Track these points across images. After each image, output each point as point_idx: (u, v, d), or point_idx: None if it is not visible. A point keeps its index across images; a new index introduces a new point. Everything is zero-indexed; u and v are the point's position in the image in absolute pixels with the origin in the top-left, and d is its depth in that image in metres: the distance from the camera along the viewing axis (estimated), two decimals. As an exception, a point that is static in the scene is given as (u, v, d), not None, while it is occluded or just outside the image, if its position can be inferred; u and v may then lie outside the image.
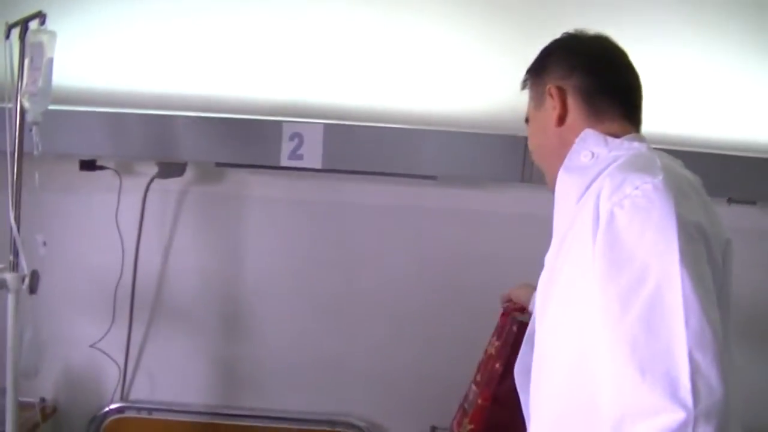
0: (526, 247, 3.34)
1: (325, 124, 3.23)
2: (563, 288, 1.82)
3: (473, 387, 2.99)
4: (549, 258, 1.96)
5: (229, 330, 3.57)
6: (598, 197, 1.68)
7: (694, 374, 1.46)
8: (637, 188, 1.63)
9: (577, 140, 1.90)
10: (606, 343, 1.57)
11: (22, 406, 2.86)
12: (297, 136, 3.22)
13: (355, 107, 3.38)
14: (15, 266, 2.74)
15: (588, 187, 1.79)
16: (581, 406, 1.72)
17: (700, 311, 1.51)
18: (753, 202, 3.44)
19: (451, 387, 3.21)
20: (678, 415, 1.45)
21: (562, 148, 1.93)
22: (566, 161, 1.89)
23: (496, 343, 2.92)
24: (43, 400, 3.47)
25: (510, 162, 3.22)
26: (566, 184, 1.90)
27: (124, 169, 3.37)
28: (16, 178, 2.72)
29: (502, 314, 3.01)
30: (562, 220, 1.90)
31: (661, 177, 1.64)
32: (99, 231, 3.42)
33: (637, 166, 1.71)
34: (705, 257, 1.62)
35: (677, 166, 1.82)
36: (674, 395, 1.46)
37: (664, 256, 1.55)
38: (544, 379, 1.91)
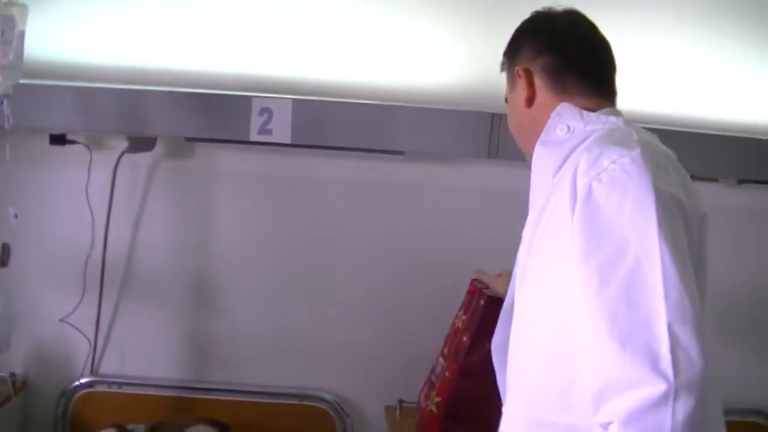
0: (493, 222, 3.43)
1: (294, 99, 3.26)
2: (541, 263, 1.83)
3: (441, 360, 3.06)
4: (526, 232, 1.99)
5: (199, 304, 3.61)
6: (575, 172, 1.69)
7: (674, 346, 1.48)
8: (614, 162, 1.64)
9: (552, 114, 1.93)
10: (586, 318, 1.58)
11: (-9, 381, 2.90)
12: (266, 111, 3.25)
13: (324, 82, 3.41)
14: (-15, 240, 2.78)
15: (564, 161, 1.81)
16: (559, 383, 1.74)
17: (679, 284, 1.53)
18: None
19: (419, 361, 3.30)
20: (659, 387, 1.46)
21: (536, 127, 1.97)
22: (542, 135, 1.94)
23: (464, 317, 2.98)
24: (13, 374, 3.49)
25: (477, 138, 3.26)
26: (542, 159, 1.93)
27: (94, 143, 3.39)
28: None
29: (470, 289, 3.06)
30: (539, 195, 1.94)
31: (638, 150, 1.66)
32: (69, 205, 3.45)
33: (613, 140, 1.73)
34: (683, 230, 1.64)
35: (654, 139, 1.85)
36: (655, 367, 1.47)
37: (643, 230, 1.56)
38: (522, 355, 1.94)
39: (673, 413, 1.45)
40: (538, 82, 2.01)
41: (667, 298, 1.51)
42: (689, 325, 1.50)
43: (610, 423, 1.53)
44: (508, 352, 2.04)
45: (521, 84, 2.03)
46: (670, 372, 1.46)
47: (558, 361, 1.74)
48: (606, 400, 1.53)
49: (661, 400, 1.46)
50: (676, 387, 1.46)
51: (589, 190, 1.63)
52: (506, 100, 2.19)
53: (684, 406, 1.45)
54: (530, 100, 2.02)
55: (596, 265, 1.58)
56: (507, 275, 2.69)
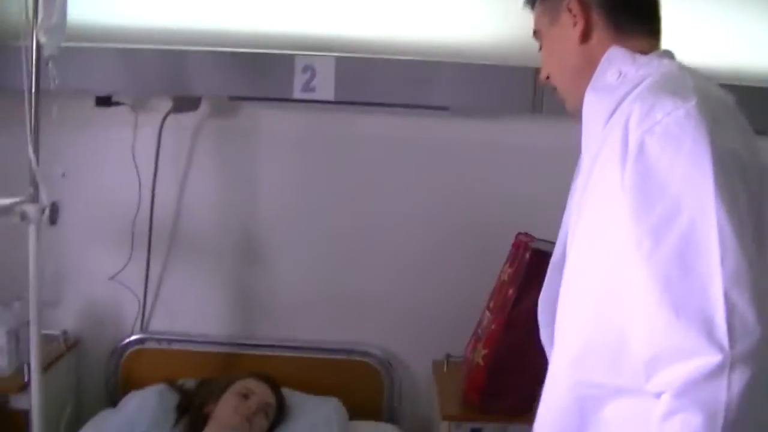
0: (536, 177, 3.46)
1: (336, 57, 3.31)
2: (592, 216, 1.74)
3: (487, 313, 3.10)
4: (578, 183, 1.91)
5: (247, 261, 3.67)
6: (626, 122, 1.60)
7: (730, 314, 1.41)
8: (668, 114, 1.55)
9: (603, 59, 1.81)
10: (638, 280, 1.51)
11: (45, 339, 2.99)
12: (309, 69, 3.30)
13: (367, 39, 3.44)
14: (35, 198, 2.85)
15: (615, 109, 1.71)
16: (608, 342, 1.66)
17: (736, 247, 1.45)
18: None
19: (465, 316, 3.34)
20: (713, 358, 1.40)
21: (587, 68, 1.85)
22: (593, 81, 1.82)
23: (509, 270, 3.02)
24: (65, 332, 3.58)
25: (521, 93, 3.29)
26: (593, 106, 1.82)
27: (139, 104, 3.45)
28: (34, 112, 2.81)
29: (515, 242, 3.09)
30: (591, 144, 1.83)
31: (693, 102, 1.56)
32: (116, 166, 3.52)
33: (668, 88, 1.63)
34: (741, 188, 1.53)
35: (711, 86, 1.72)
36: (710, 336, 1.41)
37: (698, 189, 1.48)
38: (570, 310, 1.84)
39: (729, 385, 1.39)
40: (595, 17, 1.85)
41: (723, 262, 1.44)
42: (747, 291, 1.42)
43: (662, 392, 1.47)
44: (555, 309, 1.93)
45: (571, 19, 1.87)
46: (725, 341, 1.40)
47: (607, 320, 1.66)
48: (658, 369, 1.47)
49: (716, 371, 1.39)
50: (732, 357, 1.39)
51: (641, 145, 1.54)
52: (535, 34, 2.05)
53: (740, 377, 1.39)
54: (586, 36, 1.86)
55: (648, 226, 1.50)
56: None
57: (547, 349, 2.15)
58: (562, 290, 1.88)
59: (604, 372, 1.67)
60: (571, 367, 1.77)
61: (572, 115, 1.96)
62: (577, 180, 1.95)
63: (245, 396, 3.07)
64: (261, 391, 3.13)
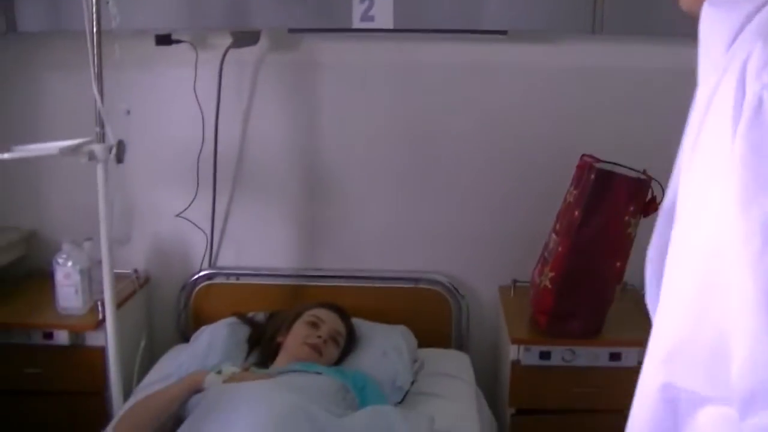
0: (598, 100, 3.46)
1: (395, -17, 3.31)
2: (700, 180, 1.31)
3: (553, 236, 3.12)
4: (693, 120, 1.43)
5: (311, 193, 3.73)
6: (745, 63, 1.17)
7: None
8: None
9: None
10: (742, 287, 1.14)
11: (116, 277, 3.06)
12: (367, -2, 3.30)
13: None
14: (102, 137, 2.91)
15: (742, 29, 1.26)
16: (706, 343, 1.24)
17: None
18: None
19: (531, 241, 3.38)
20: None
21: None
22: None
23: (575, 192, 3.03)
24: (135, 270, 3.67)
25: (580, 13, 3.27)
26: (712, 23, 1.40)
27: (199, 41, 3.48)
28: (97, 52, 2.86)
29: (579, 164, 3.10)
30: (709, 71, 1.39)
31: None
32: (178, 104, 3.57)
33: None
34: None
35: None
36: None
37: None
38: (671, 292, 1.39)
39: None
40: None
41: None
42: None
43: None
44: (663, 266, 1.42)
45: None
46: None
47: (707, 318, 1.24)
48: (758, 408, 1.11)
49: None
50: None
51: (759, 103, 1.13)
52: None
53: None
54: None
55: (760, 218, 1.11)
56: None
57: (650, 310, 1.56)
58: (668, 258, 1.41)
59: (697, 379, 1.29)
60: (663, 367, 1.36)
61: (688, 14, 1.48)
62: (691, 115, 1.44)
63: (315, 325, 3.12)
64: (330, 320, 3.17)
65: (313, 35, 3.54)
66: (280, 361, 3.04)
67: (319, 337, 3.06)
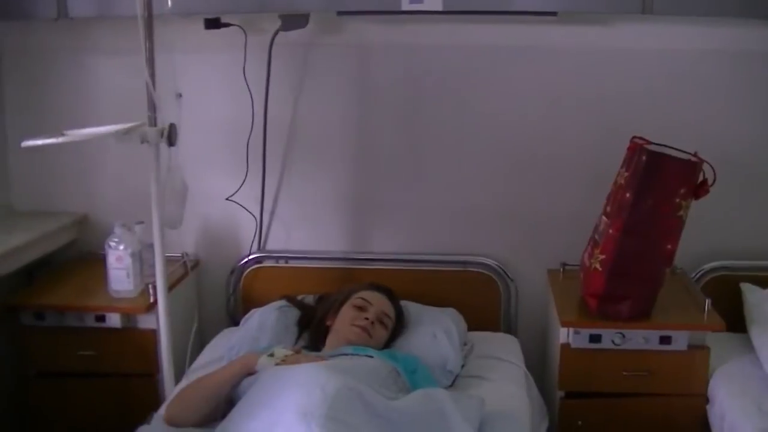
0: (649, 82, 3.45)
1: (443, -35, 3.32)
2: None
3: (604, 218, 3.13)
4: None
5: (360, 177, 3.76)
6: None
7: None
8: None
9: None
10: None
11: (167, 260, 3.11)
12: (416, -20, 3.32)
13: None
14: (154, 121, 2.95)
15: None
16: None
17: None
18: None
19: (580, 225, 3.38)
20: None
21: None
22: None
23: (626, 174, 3.03)
24: (185, 254, 3.72)
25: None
26: None
27: (248, 24, 3.51)
28: (148, 36, 2.90)
29: (630, 145, 3.10)
30: None
31: None
32: (228, 87, 3.61)
33: None
34: None
35: None
36: None
37: None
38: None
39: None
40: None
41: None
42: None
43: None
44: None
45: None
46: None
47: None
48: None
49: None
50: None
51: None
52: None
53: None
54: None
55: None
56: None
57: None
58: None
59: None
60: None
61: None
62: None
63: (363, 308, 3.14)
64: (378, 302, 3.19)
65: (361, 18, 3.55)
66: (330, 343, 3.08)
67: (367, 318, 3.09)
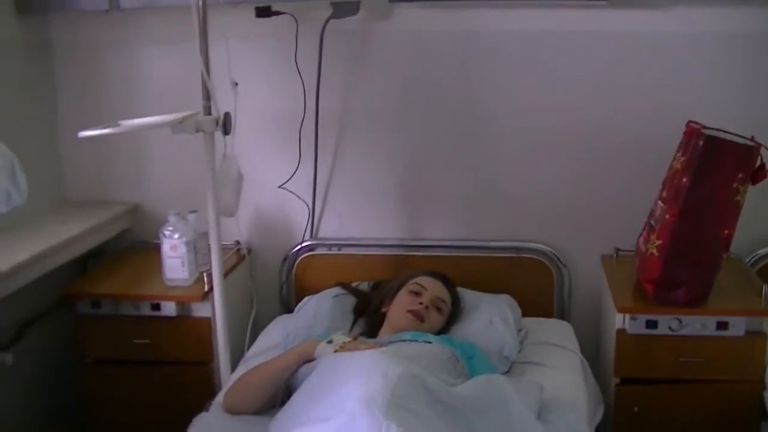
0: (702, 66, 3.42)
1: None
2: None
3: (660, 203, 3.12)
4: None
5: (412, 165, 3.77)
6: None
7: None
8: None
9: None
10: None
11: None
12: (466, -34, 3.32)
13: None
14: (208, 110, 2.98)
15: None
16: None
17: None
18: None
19: (633, 210, 3.41)
20: None
21: None
22: None
23: (682, 159, 3.02)
24: (237, 242, 3.76)
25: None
26: None
27: (299, 12, 3.52)
28: (203, 25, 2.92)
29: (687, 130, 3.09)
30: None
31: None
32: (280, 75, 3.64)
33: None
34: None
35: None
36: None
37: None
38: None
39: None
40: None
41: None
42: None
43: None
44: None
45: None
46: None
47: None
48: None
49: None
50: None
51: None
52: None
53: None
54: None
55: None
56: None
57: None
58: None
59: None
60: None
61: None
62: None
63: (418, 293, 3.16)
64: (433, 287, 3.20)
65: (413, 4, 3.55)
66: (385, 330, 3.10)
67: (421, 303, 3.10)
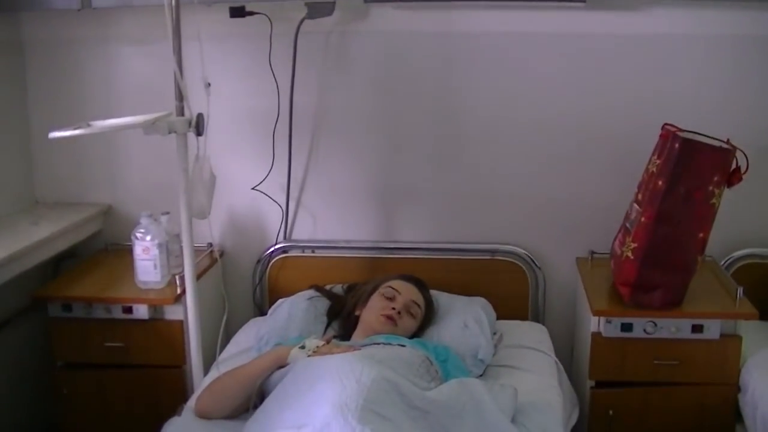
0: (678, 69, 3.42)
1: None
2: None
3: (635, 206, 3.12)
4: None
5: (387, 167, 3.76)
6: None
7: None
8: None
9: None
10: None
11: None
12: (441, -34, 3.31)
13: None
14: (181, 111, 2.95)
15: None
16: None
17: None
18: None
19: (607, 213, 3.42)
20: None
21: None
22: None
23: (658, 161, 3.02)
24: (210, 244, 3.73)
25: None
26: None
27: (273, 13, 3.50)
28: (176, 25, 2.89)
29: (662, 133, 3.09)
30: None
31: None
32: (254, 75, 3.61)
33: None
34: None
35: None
36: None
37: None
38: None
39: None
40: None
41: None
42: None
43: None
44: None
45: None
46: None
47: None
48: None
49: None
50: None
51: None
52: None
53: None
54: None
55: None
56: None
57: None
58: None
59: None
60: None
61: None
62: None
63: (391, 297, 3.14)
64: (406, 291, 3.19)
65: (388, 5, 3.54)
66: (358, 333, 3.09)
67: (394, 308, 3.09)
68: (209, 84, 2.94)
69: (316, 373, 2.43)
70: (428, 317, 3.27)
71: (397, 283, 3.22)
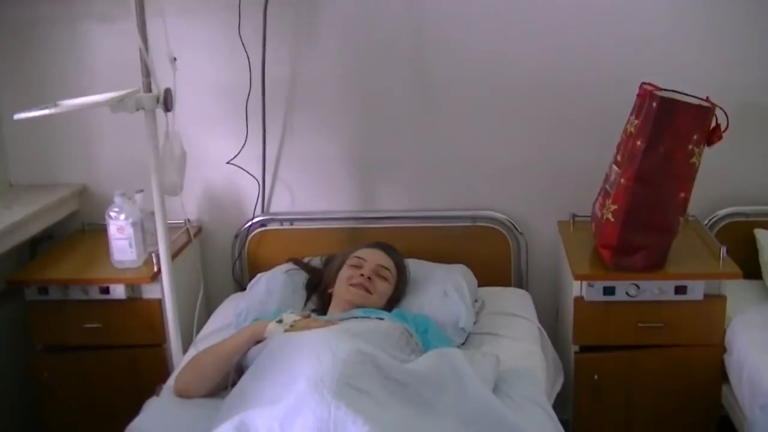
0: (656, 23, 3.37)
1: None
2: None
3: (614, 168, 3.08)
4: None
5: (364, 135, 3.71)
6: None
7: None
8: None
9: None
10: None
11: (169, 228, 3.05)
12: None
13: None
14: (148, 87, 2.90)
15: None
16: None
17: None
18: None
19: (588, 175, 3.39)
20: None
21: None
22: None
23: (636, 122, 2.98)
24: (188, 220, 3.65)
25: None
26: None
27: (242, -17, 3.45)
28: (139, 1, 2.83)
29: (640, 92, 3.05)
30: None
31: None
32: (223, 49, 3.56)
33: None
34: None
35: None
36: None
37: None
38: None
39: None
40: None
41: None
42: None
43: None
44: None
45: None
46: None
47: None
48: None
49: None
50: None
51: None
52: None
53: None
54: None
55: None
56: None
57: None
58: None
59: None
60: None
61: None
62: None
63: (358, 266, 3.12)
64: (373, 257, 3.16)
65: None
66: (335, 307, 3.06)
67: (362, 275, 3.06)
68: (175, 58, 2.89)
69: (291, 348, 2.39)
70: (402, 281, 3.24)
71: (362, 251, 3.20)
